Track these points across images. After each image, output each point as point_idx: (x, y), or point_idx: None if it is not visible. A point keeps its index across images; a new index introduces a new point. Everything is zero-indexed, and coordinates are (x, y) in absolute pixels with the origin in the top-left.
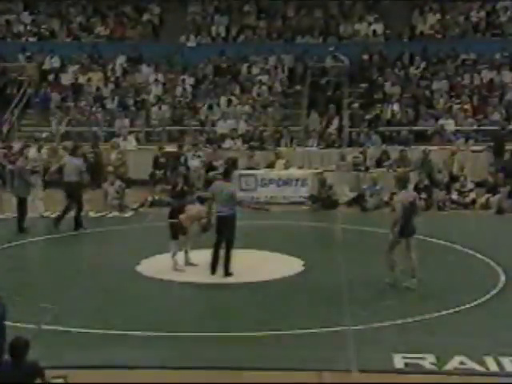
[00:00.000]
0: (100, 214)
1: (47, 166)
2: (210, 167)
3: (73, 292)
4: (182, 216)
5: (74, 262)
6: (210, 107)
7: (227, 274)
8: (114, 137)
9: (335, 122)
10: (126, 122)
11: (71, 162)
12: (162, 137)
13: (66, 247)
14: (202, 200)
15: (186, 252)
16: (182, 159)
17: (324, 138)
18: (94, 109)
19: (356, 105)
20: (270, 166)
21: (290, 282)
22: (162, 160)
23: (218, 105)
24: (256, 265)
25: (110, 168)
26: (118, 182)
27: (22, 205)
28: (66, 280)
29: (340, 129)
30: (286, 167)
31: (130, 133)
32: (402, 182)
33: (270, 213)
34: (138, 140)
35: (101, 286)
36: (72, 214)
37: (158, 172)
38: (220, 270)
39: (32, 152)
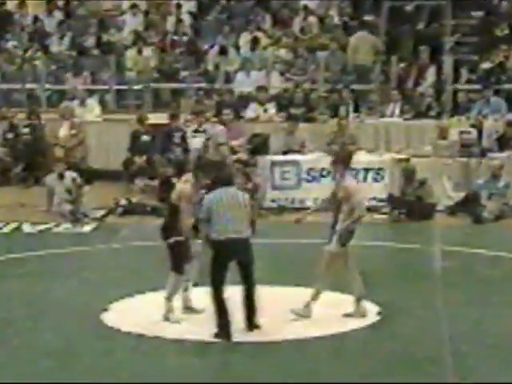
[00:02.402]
0: (41, 227)
1: None
2: None
3: None
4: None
5: (1, 308)
6: (223, 51)
7: (252, 326)
8: (64, 100)
9: (430, 76)
10: (85, 75)
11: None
12: (144, 100)
13: None
14: None
15: (186, 290)
16: (178, 137)
17: (412, 101)
18: (30, 53)
19: (465, 47)
20: (326, 148)
21: (356, 340)
22: (145, 138)
23: (237, 47)
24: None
25: (59, 151)
26: (70, 175)
27: None
28: None
29: (438, 87)
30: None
31: (91, 93)
32: (347, 161)
33: (319, 226)
34: (103, 105)
35: (44, 345)
36: None
37: (137, 158)
38: (237, 319)
39: None
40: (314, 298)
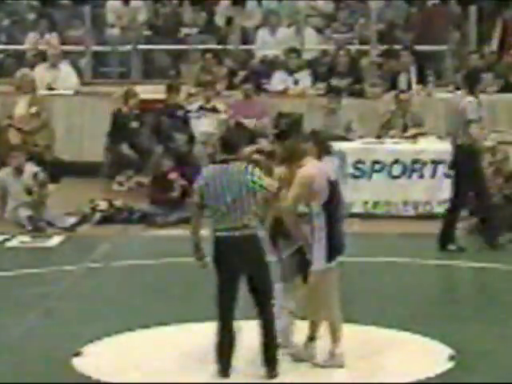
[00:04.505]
0: None
1: None
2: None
3: None
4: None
5: None
6: (239, 0)
7: (273, 371)
8: (23, 66)
9: None
10: (53, 35)
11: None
12: (131, 67)
13: None
14: None
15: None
16: (179, 119)
17: (500, 67)
18: None
19: None
20: (380, 132)
21: None
22: (134, 124)
23: None
24: (344, 354)
25: (14, 136)
26: (30, 169)
27: None
28: None
29: None
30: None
31: (62, 55)
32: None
33: (369, 238)
34: (78, 73)
35: None
36: None
37: (121, 146)
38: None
39: None
40: (336, 340)
